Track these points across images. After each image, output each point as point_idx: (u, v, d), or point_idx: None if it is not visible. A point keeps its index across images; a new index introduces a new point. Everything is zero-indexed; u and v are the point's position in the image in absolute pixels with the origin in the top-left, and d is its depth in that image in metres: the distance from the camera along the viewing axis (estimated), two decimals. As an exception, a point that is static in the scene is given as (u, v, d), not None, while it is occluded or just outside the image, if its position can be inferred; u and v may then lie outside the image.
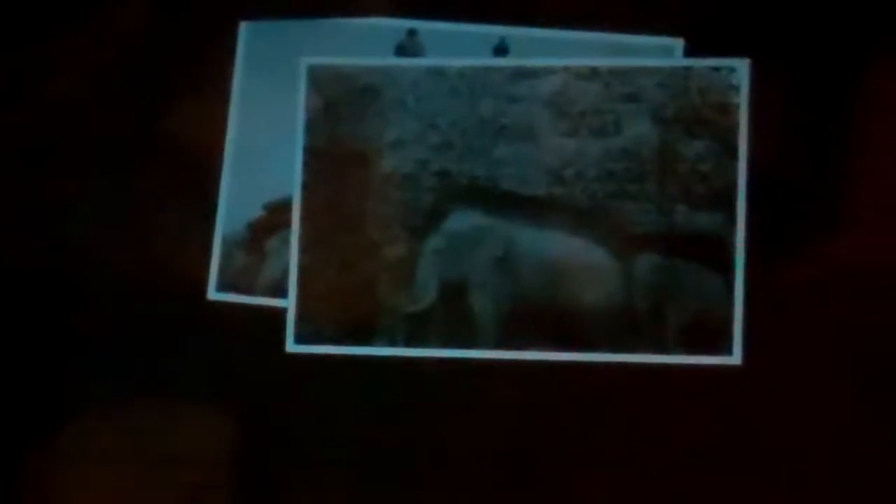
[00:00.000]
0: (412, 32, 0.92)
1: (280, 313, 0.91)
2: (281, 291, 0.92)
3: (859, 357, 0.88)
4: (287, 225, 0.92)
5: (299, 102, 0.92)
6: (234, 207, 0.92)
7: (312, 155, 0.92)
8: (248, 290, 0.92)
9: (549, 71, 0.91)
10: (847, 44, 0.91)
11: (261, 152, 0.92)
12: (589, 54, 0.91)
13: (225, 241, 0.92)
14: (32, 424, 0.92)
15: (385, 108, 0.92)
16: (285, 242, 0.92)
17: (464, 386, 0.90)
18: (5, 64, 0.94)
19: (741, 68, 0.90)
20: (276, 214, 0.92)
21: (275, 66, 0.93)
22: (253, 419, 0.91)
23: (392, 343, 0.91)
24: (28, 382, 0.92)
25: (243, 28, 0.93)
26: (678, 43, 0.91)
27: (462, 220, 0.91)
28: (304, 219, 0.92)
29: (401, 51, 0.92)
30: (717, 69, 0.90)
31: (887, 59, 0.90)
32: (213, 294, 0.92)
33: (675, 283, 0.90)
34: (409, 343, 0.91)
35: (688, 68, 0.91)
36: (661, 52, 0.91)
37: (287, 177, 0.92)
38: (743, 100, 0.90)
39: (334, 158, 0.92)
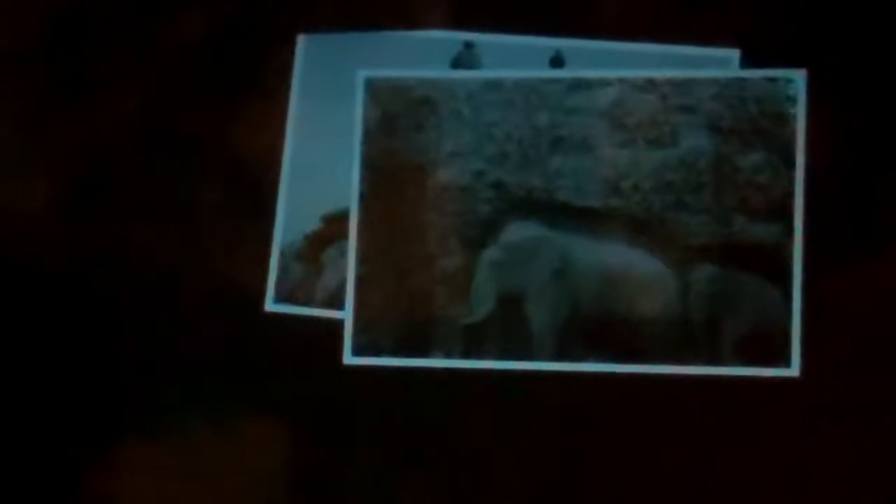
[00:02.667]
0: (469, 45, 0.93)
1: (337, 325, 0.92)
2: (338, 303, 0.92)
3: (919, 368, 0.88)
4: (344, 237, 0.92)
5: (357, 115, 0.93)
6: (291, 219, 0.92)
7: (369, 167, 0.92)
8: (305, 302, 0.92)
9: (605, 82, 0.91)
10: (904, 54, 0.91)
11: (318, 164, 0.93)
12: (645, 66, 0.91)
13: (282, 253, 0.92)
14: (90, 438, 0.92)
15: (442, 120, 0.92)
16: (342, 254, 0.92)
17: (520, 398, 0.90)
18: (64, 74, 0.95)
19: (798, 79, 0.90)
20: (333, 226, 0.92)
21: (332, 79, 0.93)
22: (309, 432, 0.91)
23: (449, 355, 0.91)
24: (84, 396, 0.92)
25: (301, 41, 0.94)
26: (735, 54, 0.91)
27: (518, 232, 0.91)
28: (361, 230, 0.92)
29: (457, 63, 0.93)
30: (773, 80, 0.90)
31: (945, 70, 0.90)
32: (269, 306, 0.92)
33: (733, 295, 0.89)
34: (465, 355, 0.91)
35: (744, 79, 0.91)
36: (717, 64, 0.91)
37: (344, 188, 0.92)
38: (800, 111, 0.90)
39: (391, 170, 0.92)
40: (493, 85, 0.92)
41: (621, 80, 0.91)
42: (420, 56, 0.93)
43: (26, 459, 0.92)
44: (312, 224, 0.93)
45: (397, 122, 0.92)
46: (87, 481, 0.92)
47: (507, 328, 0.91)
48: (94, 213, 0.94)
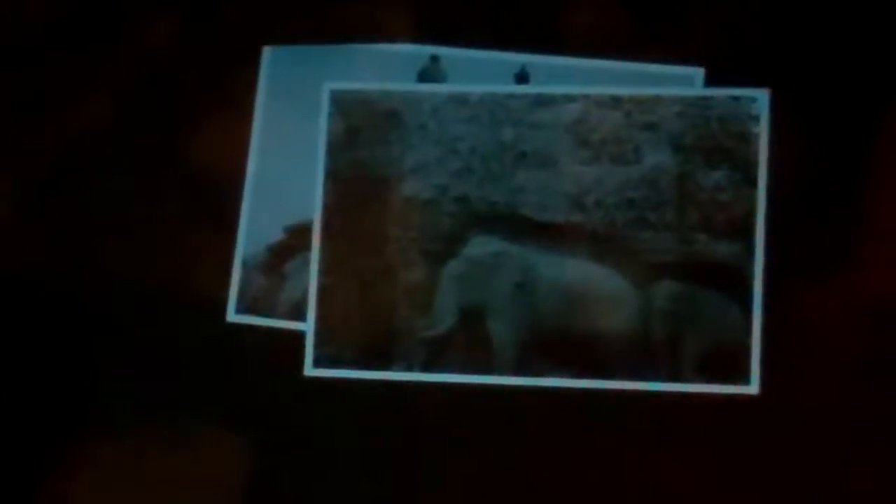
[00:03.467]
0: (434, 59, 0.93)
1: (299, 336, 0.92)
2: (300, 314, 0.92)
3: (878, 387, 0.88)
4: (307, 248, 0.92)
5: (321, 127, 0.93)
6: (254, 230, 0.93)
7: (334, 179, 0.92)
8: (268, 313, 0.92)
9: (569, 99, 0.92)
10: (867, 74, 0.91)
11: (282, 176, 0.93)
12: (610, 83, 0.92)
13: (245, 264, 0.93)
14: (48, 445, 0.92)
15: (406, 133, 0.92)
16: (305, 266, 0.92)
17: (481, 412, 0.90)
18: (30, 84, 0.95)
19: (761, 98, 0.91)
20: (297, 238, 0.92)
21: (297, 91, 0.93)
22: (270, 442, 0.91)
23: (410, 368, 0.91)
24: (44, 402, 0.92)
25: (267, 53, 0.94)
26: (699, 72, 0.91)
27: (481, 246, 0.91)
28: (325, 242, 0.92)
29: (423, 77, 0.93)
30: (737, 99, 0.91)
31: (907, 91, 0.91)
32: (232, 316, 0.92)
33: (694, 312, 0.90)
34: (426, 368, 0.91)
35: (708, 98, 0.91)
36: (681, 82, 0.91)
37: (308, 200, 0.92)
38: (763, 129, 0.91)
39: (355, 183, 0.92)
40: (459, 99, 0.92)
41: (585, 97, 0.92)
42: (386, 69, 0.93)
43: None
44: (275, 235, 0.93)
45: (362, 134, 0.93)
46: (43, 486, 0.92)
47: (468, 342, 0.91)
48: (57, 223, 0.94)
